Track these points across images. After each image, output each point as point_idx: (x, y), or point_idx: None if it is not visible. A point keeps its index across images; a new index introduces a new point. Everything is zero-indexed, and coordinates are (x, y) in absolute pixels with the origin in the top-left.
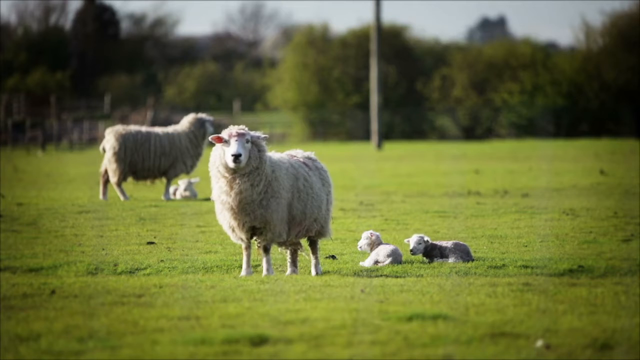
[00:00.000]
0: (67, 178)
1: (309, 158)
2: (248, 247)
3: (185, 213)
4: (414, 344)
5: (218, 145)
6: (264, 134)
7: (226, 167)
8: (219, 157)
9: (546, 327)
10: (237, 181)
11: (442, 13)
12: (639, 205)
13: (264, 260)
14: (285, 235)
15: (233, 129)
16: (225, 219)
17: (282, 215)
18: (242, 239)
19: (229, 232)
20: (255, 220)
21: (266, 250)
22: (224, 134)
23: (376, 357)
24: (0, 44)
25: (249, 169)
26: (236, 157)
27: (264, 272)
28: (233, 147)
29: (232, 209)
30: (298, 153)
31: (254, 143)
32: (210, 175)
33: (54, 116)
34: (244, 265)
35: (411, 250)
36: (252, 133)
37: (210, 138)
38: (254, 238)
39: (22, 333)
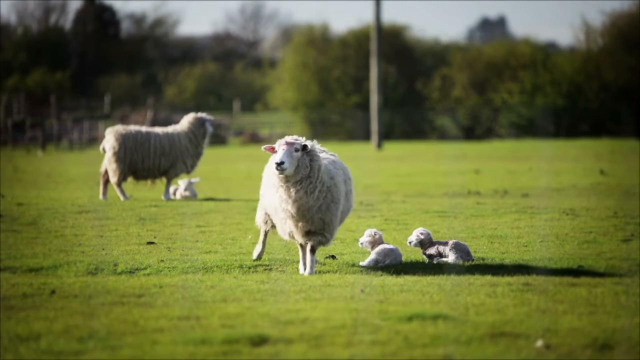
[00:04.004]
0: (67, 178)
1: (333, 155)
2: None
3: (185, 213)
4: (414, 344)
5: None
6: (313, 142)
7: (277, 175)
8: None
9: (546, 327)
10: (291, 190)
11: (442, 13)
12: (639, 205)
13: (309, 259)
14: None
15: (284, 139)
16: (285, 226)
17: (338, 220)
18: (299, 243)
19: (285, 236)
20: (313, 225)
21: (313, 251)
22: (276, 143)
23: (376, 357)
24: (0, 44)
25: (299, 177)
26: (278, 165)
27: (307, 270)
28: (277, 155)
29: (292, 216)
30: (326, 151)
31: (308, 152)
32: (264, 183)
33: (54, 116)
34: (301, 262)
35: (408, 241)
36: (303, 142)
37: (263, 148)
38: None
39: (22, 333)
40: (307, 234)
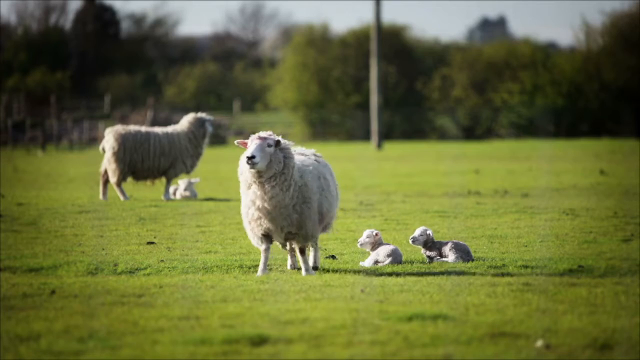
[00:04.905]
0: (67, 178)
1: (315, 155)
2: (267, 250)
3: (185, 213)
4: (414, 344)
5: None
6: (290, 142)
7: (249, 171)
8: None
9: (546, 327)
10: (266, 187)
11: (442, 13)
12: (639, 205)
13: (302, 260)
14: (318, 235)
15: (257, 134)
16: (259, 225)
17: (315, 218)
18: (280, 244)
19: (254, 240)
20: (292, 226)
21: (302, 251)
22: (249, 138)
23: (376, 357)
24: (0, 44)
25: (271, 173)
26: (249, 159)
27: (303, 272)
28: (249, 149)
29: (269, 213)
30: (306, 151)
31: (281, 149)
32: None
33: (54, 116)
34: (261, 267)
35: (411, 239)
36: (277, 138)
37: (236, 142)
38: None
39: (22, 333)
40: (288, 235)
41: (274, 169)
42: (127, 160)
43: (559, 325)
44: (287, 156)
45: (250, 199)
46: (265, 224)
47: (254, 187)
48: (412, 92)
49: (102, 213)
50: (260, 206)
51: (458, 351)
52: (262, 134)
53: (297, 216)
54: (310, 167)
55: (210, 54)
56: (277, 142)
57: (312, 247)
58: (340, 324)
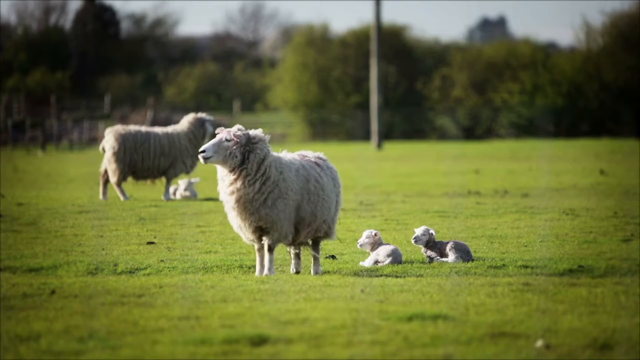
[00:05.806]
0: (67, 178)
1: (320, 158)
2: (260, 249)
3: (185, 213)
4: (414, 344)
5: None
6: (264, 133)
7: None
8: None
9: (546, 327)
10: (226, 180)
11: (442, 13)
12: (639, 205)
13: (267, 259)
14: (292, 236)
15: (220, 128)
16: (233, 219)
17: (289, 216)
18: (251, 240)
19: (240, 233)
20: (260, 221)
21: (270, 249)
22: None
23: (376, 357)
24: (0, 44)
25: (229, 167)
26: (199, 152)
27: (265, 271)
28: (205, 144)
29: (234, 209)
30: (309, 153)
31: (247, 143)
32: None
33: (54, 116)
34: (258, 267)
35: (414, 238)
36: (232, 135)
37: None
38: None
39: (22, 333)
40: (257, 230)
41: (228, 164)
42: (127, 160)
43: (559, 325)
44: (252, 150)
45: (220, 194)
46: (233, 217)
47: (220, 181)
48: (412, 92)
49: (102, 213)
50: (226, 199)
51: (458, 351)
52: (233, 129)
53: (268, 210)
54: (297, 166)
55: (210, 54)
56: (237, 138)
57: (315, 257)
58: (340, 324)
